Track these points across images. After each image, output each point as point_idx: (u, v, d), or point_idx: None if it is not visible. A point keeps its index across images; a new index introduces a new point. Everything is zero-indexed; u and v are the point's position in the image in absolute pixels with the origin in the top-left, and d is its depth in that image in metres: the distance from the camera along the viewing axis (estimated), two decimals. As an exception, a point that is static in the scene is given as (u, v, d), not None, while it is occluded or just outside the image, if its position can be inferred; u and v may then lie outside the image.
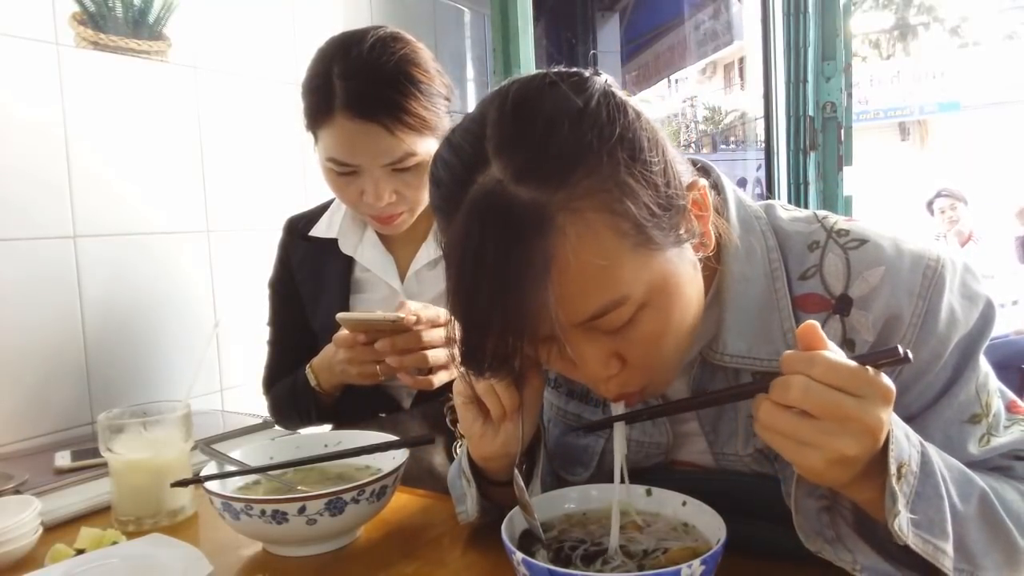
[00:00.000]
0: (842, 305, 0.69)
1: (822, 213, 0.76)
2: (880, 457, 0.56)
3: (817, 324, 0.55)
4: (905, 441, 0.58)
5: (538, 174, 0.55)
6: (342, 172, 1.07)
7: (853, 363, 0.53)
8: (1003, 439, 0.69)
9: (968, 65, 12.58)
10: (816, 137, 2.30)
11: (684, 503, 0.70)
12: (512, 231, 0.55)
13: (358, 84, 1.02)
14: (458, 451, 0.85)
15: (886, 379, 0.54)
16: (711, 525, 0.66)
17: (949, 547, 0.59)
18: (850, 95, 2.30)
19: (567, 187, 0.55)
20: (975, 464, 0.67)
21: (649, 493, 0.72)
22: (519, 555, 0.60)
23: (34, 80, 1.29)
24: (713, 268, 0.72)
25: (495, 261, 0.55)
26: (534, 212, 0.54)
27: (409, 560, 0.81)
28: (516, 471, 0.68)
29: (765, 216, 0.75)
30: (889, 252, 0.69)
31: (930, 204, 4.71)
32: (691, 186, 0.64)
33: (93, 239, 1.37)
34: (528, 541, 0.67)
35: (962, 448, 0.68)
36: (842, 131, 2.28)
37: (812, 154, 2.31)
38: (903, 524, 0.56)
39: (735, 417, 0.74)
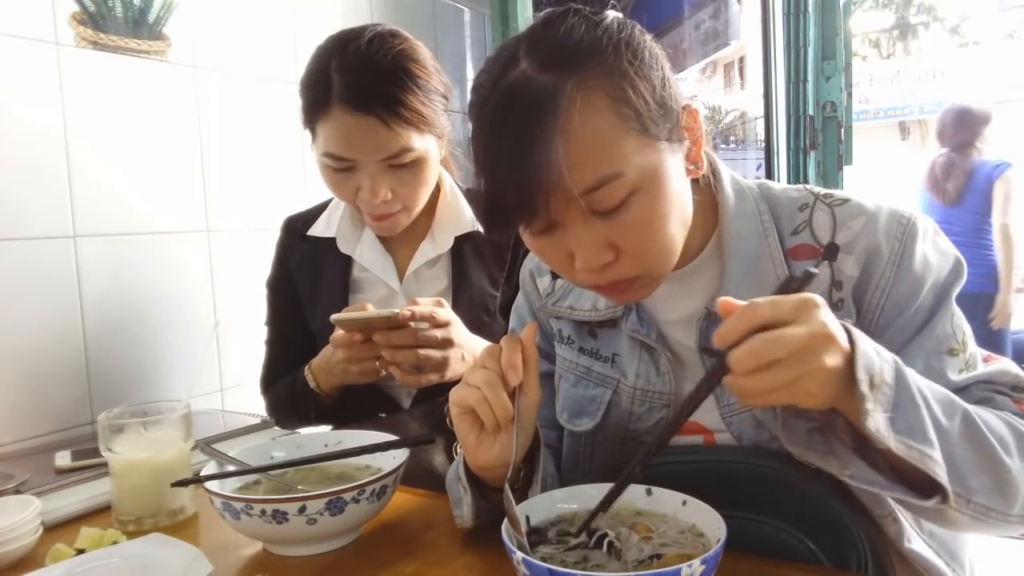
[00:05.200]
0: (830, 252, 0.77)
1: (810, 186, 0.84)
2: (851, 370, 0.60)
3: (729, 298, 0.61)
4: (875, 355, 0.62)
5: (556, 63, 0.66)
6: (339, 168, 1.07)
7: (775, 297, 0.59)
8: (981, 370, 0.75)
9: (968, 65, 12.59)
10: (816, 137, 2.30)
11: (684, 502, 0.70)
12: (531, 104, 0.65)
13: (355, 77, 1.02)
14: (458, 451, 0.85)
15: (805, 293, 0.60)
16: (711, 525, 0.66)
17: (936, 453, 0.62)
18: (850, 95, 2.30)
19: (579, 74, 0.65)
20: (957, 392, 0.71)
21: (649, 493, 0.72)
22: (519, 555, 0.60)
23: (34, 80, 1.29)
24: (711, 229, 0.81)
25: (516, 127, 0.65)
26: (550, 89, 0.64)
27: (409, 560, 0.81)
28: (507, 486, 0.69)
29: (758, 189, 0.83)
30: (869, 206, 0.78)
31: None
32: (686, 107, 0.73)
33: (93, 239, 1.37)
34: (528, 539, 0.67)
35: (942, 375, 0.73)
36: (842, 131, 2.28)
37: (812, 154, 2.31)
38: (880, 425, 0.60)
39: None
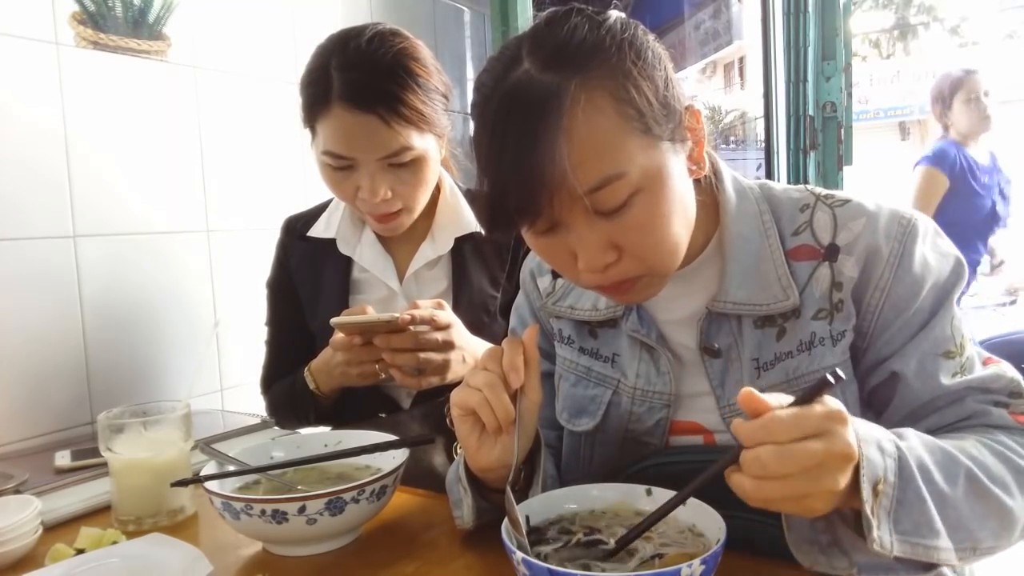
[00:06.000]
0: (830, 253, 0.77)
1: (811, 187, 0.84)
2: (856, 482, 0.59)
3: (752, 390, 0.58)
4: (878, 455, 0.60)
5: (559, 63, 0.66)
6: (338, 167, 1.06)
7: (802, 410, 0.56)
8: (976, 374, 0.74)
9: (968, 65, 12.58)
10: (816, 137, 2.30)
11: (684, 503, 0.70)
12: (534, 104, 0.64)
13: (356, 75, 1.01)
14: (458, 451, 0.85)
15: (833, 403, 0.58)
16: (711, 525, 0.66)
17: (941, 540, 0.62)
18: (850, 95, 2.30)
19: (582, 73, 0.65)
20: (952, 402, 0.73)
21: (649, 493, 0.72)
22: (519, 555, 0.60)
23: (34, 80, 1.29)
24: (712, 229, 0.81)
25: (519, 127, 0.65)
26: (553, 89, 0.64)
27: (409, 560, 0.81)
28: (508, 489, 0.68)
29: (759, 189, 0.83)
30: (870, 207, 0.78)
31: None
32: (688, 107, 0.73)
33: (93, 239, 1.37)
34: (528, 539, 0.67)
35: (935, 378, 0.73)
36: (842, 131, 2.29)
37: (812, 154, 2.31)
38: (885, 542, 0.60)
39: (740, 367, 0.78)
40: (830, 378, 0.56)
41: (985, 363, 0.77)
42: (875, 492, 0.59)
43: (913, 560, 0.62)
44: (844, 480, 0.57)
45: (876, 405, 0.77)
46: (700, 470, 0.77)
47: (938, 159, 2.92)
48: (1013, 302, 4.07)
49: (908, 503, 0.61)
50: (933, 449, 0.66)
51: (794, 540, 0.66)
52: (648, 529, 0.65)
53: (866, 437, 0.60)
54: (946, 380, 0.73)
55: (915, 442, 0.65)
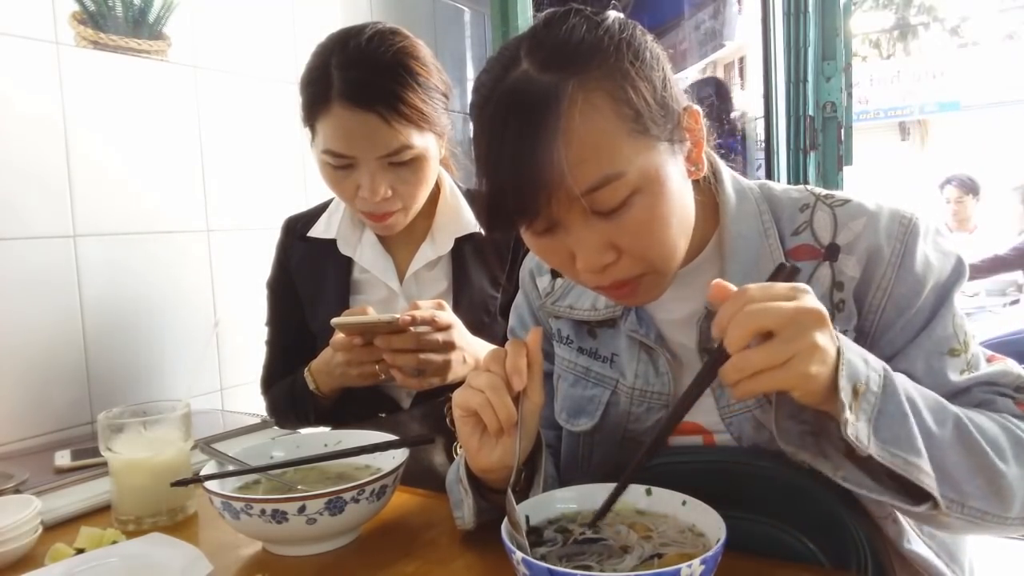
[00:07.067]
0: (831, 252, 0.77)
1: (811, 187, 0.85)
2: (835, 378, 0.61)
3: (721, 280, 0.63)
4: (862, 364, 0.63)
5: (558, 64, 0.66)
6: (338, 165, 1.06)
7: (768, 283, 0.62)
8: (983, 371, 0.75)
9: (968, 65, 12.59)
10: (816, 137, 2.31)
11: (684, 503, 0.70)
12: (532, 104, 0.65)
13: (356, 74, 1.02)
14: (458, 451, 0.85)
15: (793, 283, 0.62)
16: (711, 525, 0.66)
17: (923, 463, 0.62)
18: (850, 95, 2.30)
19: (580, 74, 0.65)
20: (958, 393, 0.73)
21: (649, 493, 0.72)
22: (519, 555, 0.60)
23: (34, 79, 1.29)
24: (711, 229, 0.81)
25: (517, 128, 0.65)
26: (551, 89, 0.65)
27: (409, 560, 0.81)
28: (509, 492, 0.68)
29: (759, 189, 0.83)
30: (870, 207, 0.78)
31: (942, 186, 4.56)
32: (687, 108, 0.73)
33: (93, 239, 1.37)
34: (527, 539, 0.67)
35: (943, 376, 0.74)
36: (842, 131, 2.29)
37: (812, 154, 2.31)
38: (860, 434, 0.61)
39: None
40: (786, 263, 0.64)
41: (989, 360, 0.77)
42: (855, 392, 0.61)
43: (898, 479, 0.63)
44: (823, 339, 0.59)
45: None
46: (701, 470, 0.77)
47: None
48: (1015, 302, 4.07)
49: (889, 415, 0.63)
50: (925, 394, 0.67)
51: (783, 438, 0.66)
52: (639, 468, 0.67)
53: (850, 347, 0.63)
54: (955, 377, 0.74)
55: (907, 381, 0.67)
